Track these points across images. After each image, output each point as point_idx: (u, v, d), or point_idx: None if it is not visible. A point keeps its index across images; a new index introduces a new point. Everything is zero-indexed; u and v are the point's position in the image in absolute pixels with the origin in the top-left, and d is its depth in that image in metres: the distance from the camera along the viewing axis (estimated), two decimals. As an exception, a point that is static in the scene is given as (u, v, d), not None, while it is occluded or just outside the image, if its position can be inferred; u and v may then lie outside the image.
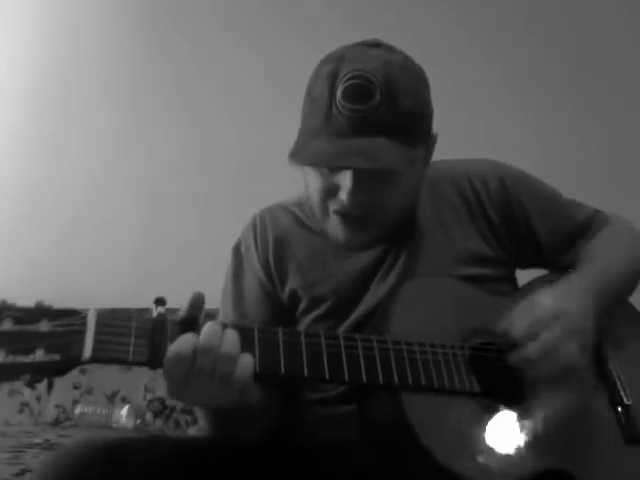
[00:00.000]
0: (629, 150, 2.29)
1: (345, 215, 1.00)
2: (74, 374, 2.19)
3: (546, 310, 0.95)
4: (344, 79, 0.94)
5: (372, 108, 0.93)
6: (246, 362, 0.80)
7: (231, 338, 0.80)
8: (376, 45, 1.01)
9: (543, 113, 2.35)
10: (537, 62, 2.39)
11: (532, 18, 2.44)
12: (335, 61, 0.98)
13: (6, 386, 2.13)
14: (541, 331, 0.93)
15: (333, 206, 1.00)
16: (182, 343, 0.78)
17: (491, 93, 2.37)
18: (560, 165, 2.16)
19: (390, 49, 1.02)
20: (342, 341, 0.89)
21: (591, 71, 2.35)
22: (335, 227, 1.02)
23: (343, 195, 0.96)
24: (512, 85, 2.39)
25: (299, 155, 0.97)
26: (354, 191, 0.95)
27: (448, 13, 2.46)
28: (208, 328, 0.79)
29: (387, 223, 1.03)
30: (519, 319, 0.95)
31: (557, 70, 2.38)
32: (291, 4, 2.57)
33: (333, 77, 0.96)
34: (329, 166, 0.97)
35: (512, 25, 2.44)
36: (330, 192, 0.99)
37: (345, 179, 0.96)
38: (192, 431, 2.04)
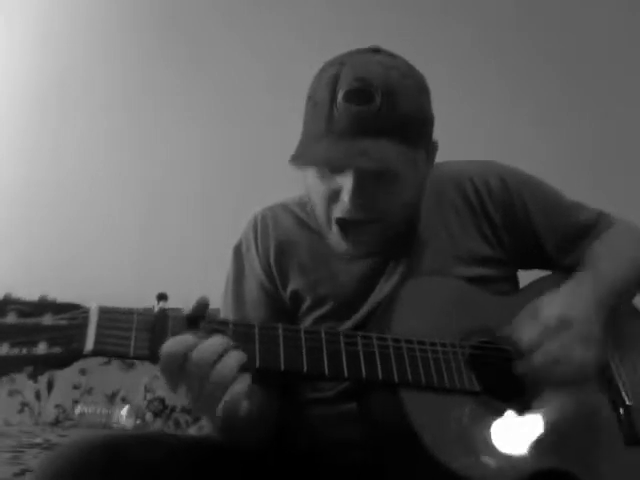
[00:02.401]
0: (630, 149, 2.29)
1: (345, 224, 0.99)
2: (74, 374, 2.18)
3: (551, 319, 0.96)
4: (345, 83, 0.95)
5: (373, 110, 0.93)
6: (237, 392, 0.77)
7: (229, 363, 0.77)
8: (376, 51, 1.02)
9: (542, 112, 2.35)
10: (535, 62, 2.39)
11: (531, 19, 2.44)
12: (336, 67, 0.98)
13: (6, 386, 2.13)
14: (546, 341, 0.94)
15: (336, 213, 1.00)
16: (175, 343, 0.77)
17: (489, 93, 2.37)
18: (559, 164, 2.15)
19: (391, 56, 1.02)
20: (342, 337, 0.89)
21: (590, 71, 2.35)
22: (337, 238, 1.03)
23: (345, 197, 0.96)
24: (510, 85, 2.39)
25: (301, 158, 0.97)
26: (356, 192, 0.95)
27: (446, 14, 2.46)
28: (211, 342, 0.77)
29: (388, 233, 1.03)
30: (524, 328, 0.97)
31: (557, 70, 2.38)
32: (291, 5, 2.57)
33: (334, 82, 0.96)
34: (331, 166, 0.98)
35: (510, 26, 2.44)
36: (333, 196, 0.99)
37: (347, 181, 0.96)
38: (192, 431, 2.04)
